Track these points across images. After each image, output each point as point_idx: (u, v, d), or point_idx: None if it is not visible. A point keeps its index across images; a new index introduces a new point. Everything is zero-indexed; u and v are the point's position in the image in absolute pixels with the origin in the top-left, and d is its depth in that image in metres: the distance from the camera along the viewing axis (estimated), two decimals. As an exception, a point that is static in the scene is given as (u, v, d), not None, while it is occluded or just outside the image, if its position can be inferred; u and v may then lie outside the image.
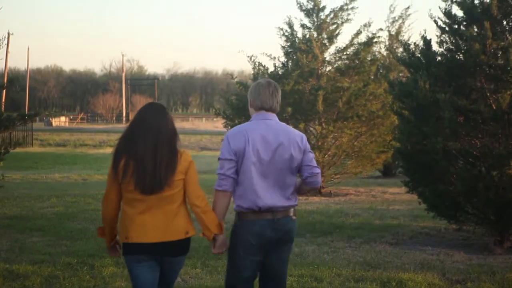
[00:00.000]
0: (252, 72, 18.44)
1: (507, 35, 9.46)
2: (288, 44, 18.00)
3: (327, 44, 17.93)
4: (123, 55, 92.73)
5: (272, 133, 4.82)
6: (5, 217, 12.59)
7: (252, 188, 4.71)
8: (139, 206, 4.58)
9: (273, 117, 4.95)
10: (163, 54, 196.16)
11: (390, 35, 24.04)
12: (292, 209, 4.85)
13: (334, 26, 17.89)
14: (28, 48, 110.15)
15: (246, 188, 4.73)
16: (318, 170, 4.89)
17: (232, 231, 4.85)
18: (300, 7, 17.94)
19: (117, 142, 4.69)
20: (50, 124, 73.26)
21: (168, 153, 4.58)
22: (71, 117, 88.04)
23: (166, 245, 4.59)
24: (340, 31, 17.90)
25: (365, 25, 17.97)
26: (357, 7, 17.94)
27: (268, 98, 4.92)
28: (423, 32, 9.99)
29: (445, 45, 9.79)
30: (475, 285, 7.28)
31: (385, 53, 23.05)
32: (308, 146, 4.93)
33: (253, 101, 4.96)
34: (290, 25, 18.01)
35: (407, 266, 8.22)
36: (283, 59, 18.19)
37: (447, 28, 9.74)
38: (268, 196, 4.73)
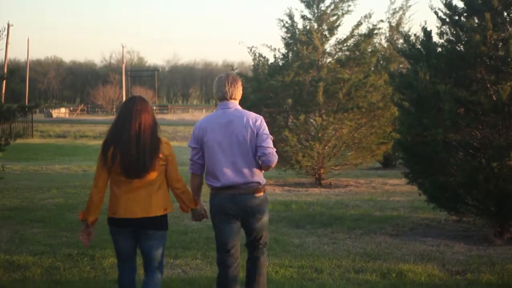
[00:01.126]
0: (252, 63, 18.44)
1: (508, 26, 9.44)
2: (289, 35, 17.97)
3: (327, 35, 17.90)
4: (123, 47, 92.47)
5: (228, 120, 5.58)
6: (5, 208, 12.60)
7: (214, 168, 5.53)
8: (125, 187, 5.30)
9: (233, 104, 5.72)
10: (163, 46, 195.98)
11: (391, 27, 24.00)
12: (254, 187, 5.54)
13: (335, 17, 17.86)
14: (28, 40, 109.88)
15: (211, 169, 5.57)
16: (270, 150, 5.49)
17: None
18: (301, -2, 17.92)
19: (106, 134, 5.35)
20: (50, 115, 73.24)
21: (150, 141, 5.21)
22: (71, 109, 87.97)
23: (148, 220, 5.28)
24: (341, 23, 17.88)
25: (365, 17, 17.96)
26: (358, -2, 17.94)
27: (228, 89, 5.68)
28: (423, 23, 9.98)
29: (445, 36, 9.77)
30: (475, 276, 7.29)
31: (385, 45, 23.00)
32: (263, 128, 5.58)
33: (216, 93, 5.75)
34: (291, 16, 17.98)
35: (407, 257, 8.23)
36: (283, 50, 18.19)
37: (447, 19, 9.72)
38: (228, 175, 5.49)
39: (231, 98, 5.72)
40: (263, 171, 5.61)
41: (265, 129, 5.60)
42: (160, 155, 5.25)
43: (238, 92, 5.77)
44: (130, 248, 5.46)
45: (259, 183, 5.56)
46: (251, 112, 5.72)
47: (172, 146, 5.43)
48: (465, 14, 9.58)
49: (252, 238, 5.77)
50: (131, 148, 5.16)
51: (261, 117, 5.68)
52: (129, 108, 5.27)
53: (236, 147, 5.50)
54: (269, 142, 5.54)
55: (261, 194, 5.60)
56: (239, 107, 5.74)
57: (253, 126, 5.53)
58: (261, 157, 5.50)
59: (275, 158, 5.53)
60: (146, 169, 5.18)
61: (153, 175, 5.24)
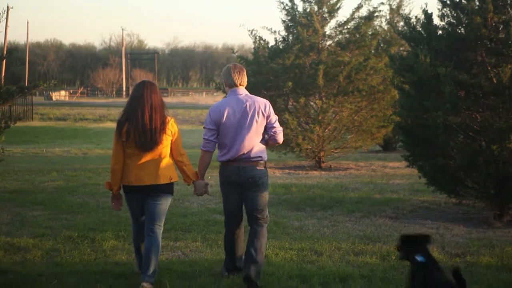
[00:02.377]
0: (253, 46, 18.38)
1: (509, 9, 9.41)
2: (289, 18, 17.90)
3: (327, 18, 17.83)
4: (123, 29, 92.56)
5: (241, 104, 6.37)
6: (5, 191, 12.62)
7: (226, 145, 6.39)
8: (136, 159, 6.18)
9: (243, 90, 6.50)
10: (163, 28, 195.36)
11: (391, 9, 23.90)
12: (257, 160, 6.40)
13: (335, -1, 17.79)
14: (28, 22, 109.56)
15: (223, 146, 6.43)
16: (280, 130, 6.48)
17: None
18: (301, -20, 17.84)
19: (120, 114, 6.28)
20: (50, 98, 73.13)
21: (160, 120, 6.13)
22: (71, 91, 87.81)
23: (156, 187, 6.20)
24: (341, 5, 17.77)
25: (366, -1, 17.87)
26: (358, -20, 17.84)
27: (237, 77, 6.46)
28: (424, 6, 9.94)
29: (446, 19, 9.73)
30: (475, 258, 7.32)
31: (386, 27, 22.93)
32: (272, 110, 6.45)
33: (226, 81, 6.54)
34: (291, -1, 17.91)
35: (407, 240, 8.24)
36: (283, 33, 18.11)
37: (448, 2, 9.68)
38: (236, 151, 6.33)
39: (240, 85, 6.49)
40: (266, 148, 6.55)
41: (273, 111, 6.48)
42: (168, 132, 6.16)
43: (245, 79, 6.54)
44: (140, 209, 6.37)
45: (261, 157, 6.43)
46: (259, 97, 6.54)
47: (177, 126, 6.31)
48: (466, -4, 9.54)
49: (254, 210, 6.46)
50: (145, 126, 6.07)
51: (268, 101, 6.49)
52: (141, 90, 6.16)
53: (249, 127, 6.33)
54: (277, 123, 6.49)
55: (263, 168, 6.45)
56: (248, 93, 6.52)
57: (264, 110, 6.38)
58: (272, 136, 6.44)
59: (282, 136, 6.53)
60: (157, 144, 6.10)
61: (160, 149, 6.15)
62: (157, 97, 6.17)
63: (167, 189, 6.28)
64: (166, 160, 6.24)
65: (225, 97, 6.77)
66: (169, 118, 6.22)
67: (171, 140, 6.23)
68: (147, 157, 6.15)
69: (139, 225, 6.43)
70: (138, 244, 6.53)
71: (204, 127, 6.48)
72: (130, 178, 6.19)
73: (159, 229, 6.28)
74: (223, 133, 6.39)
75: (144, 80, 6.40)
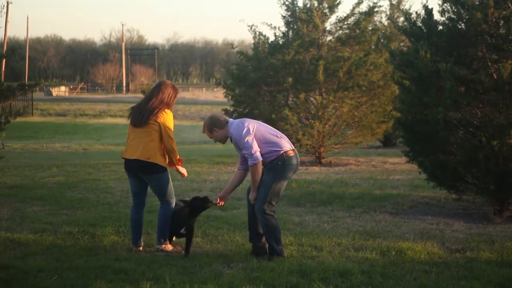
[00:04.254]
0: (253, 41, 18.38)
1: (509, 4, 9.39)
2: (289, 13, 17.90)
3: (327, 13, 17.82)
4: (123, 25, 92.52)
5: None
6: (5, 186, 12.63)
7: (276, 140, 7.19)
8: (131, 135, 7.45)
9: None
10: (163, 24, 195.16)
11: (391, 4, 23.88)
12: None
13: (335, -5, 17.77)
14: (28, 17, 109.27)
15: (274, 142, 7.17)
16: None
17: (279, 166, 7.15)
18: (301, -25, 17.83)
19: None
20: (50, 93, 73.09)
21: (155, 106, 7.28)
22: (71, 87, 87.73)
23: (134, 163, 7.31)
24: (341, 0, 17.78)
25: (366, -6, 17.88)
26: (358, -24, 17.81)
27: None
28: (424, 1, 9.97)
29: (446, 14, 9.72)
30: (474, 254, 7.32)
31: (386, 23, 22.93)
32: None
33: (220, 125, 7.28)
34: (291, -6, 17.89)
35: (407, 235, 8.26)
36: (283, 28, 18.13)
37: (448, -3, 9.67)
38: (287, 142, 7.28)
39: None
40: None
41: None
42: (157, 119, 7.22)
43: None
44: (135, 186, 7.57)
45: None
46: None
47: (171, 119, 7.33)
48: (466, -8, 9.53)
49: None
50: (139, 107, 7.39)
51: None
52: (155, 86, 7.59)
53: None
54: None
55: None
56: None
57: None
58: None
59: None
60: (144, 122, 7.24)
61: (148, 130, 7.24)
62: (161, 94, 7.34)
63: (150, 169, 7.29)
64: (152, 143, 7.24)
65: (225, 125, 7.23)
66: (166, 110, 7.30)
67: (159, 127, 7.24)
68: (136, 135, 7.32)
69: (135, 203, 7.63)
70: (132, 218, 7.61)
71: (246, 141, 6.98)
72: (124, 151, 7.51)
73: (164, 203, 7.47)
74: (263, 137, 7.09)
75: (161, 81, 7.57)
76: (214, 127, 7.25)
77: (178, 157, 7.42)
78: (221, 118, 7.31)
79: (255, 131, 7.05)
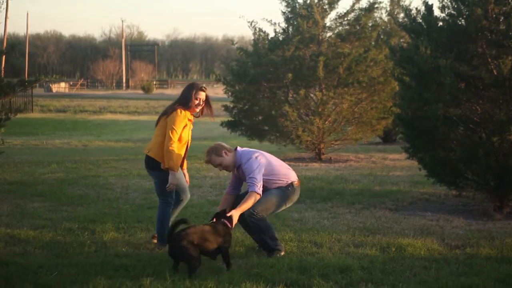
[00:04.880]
0: (253, 37, 18.35)
1: (509, 0, 9.38)
2: (289, 9, 17.87)
3: (327, 9, 17.80)
4: (122, 21, 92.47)
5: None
6: (5, 182, 12.63)
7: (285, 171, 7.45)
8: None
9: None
10: (163, 20, 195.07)
11: (391, 0, 23.84)
12: None
13: (335, -9, 17.75)
14: (28, 14, 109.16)
15: (283, 172, 7.41)
16: None
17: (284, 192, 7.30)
18: (301, -29, 17.80)
19: None
20: (50, 90, 73.12)
21: (171, 106, 7.52)
22: (71, 83, 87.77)
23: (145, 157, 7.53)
24: (341, -4, 17.76)
25: (366, -10, 17.84)
26: (358, -28, 17.79)
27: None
28: (424, -3, 9.91)
29: (446, 10, 9.71)
30: (474, 250, 7.32)
31: (386, 19, 22.86)
32: None
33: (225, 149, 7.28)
34: (291, -10, 17.86)
35: (407, 232, 8.26)
36: (283, 24, 18.09)
37: (449, -7, 9.66)
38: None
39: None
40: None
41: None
42: (167, 117, 7.35)
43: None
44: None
45: None
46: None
47: (179, 119, 7.30)
48: (466, -12, 9.52)
49: None
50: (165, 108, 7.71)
51: None
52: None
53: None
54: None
55: None
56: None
57: None
58: None
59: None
60: (158, 121, 7.51)
61: (159, 127, 7.45)
62: (181, 94, 7.51)
63: (151, 164, 7.43)
64: (156, 138, 7.41)
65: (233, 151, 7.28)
66: (180, 109, 7.36)
67: (166, 124, 7.33)
68: (155, 132, 7.51)
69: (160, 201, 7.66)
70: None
71: (258, 173, 7.06)
72: None
73: (161, 203, 7.51)
74: (271, 166, 7.28)
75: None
76: (225, 149, 7.24)
77: (173, 162, 7.25)
78: (226, 145, 7.35)
79: (268, 162, 7.24)
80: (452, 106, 9.25)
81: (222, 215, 6.83)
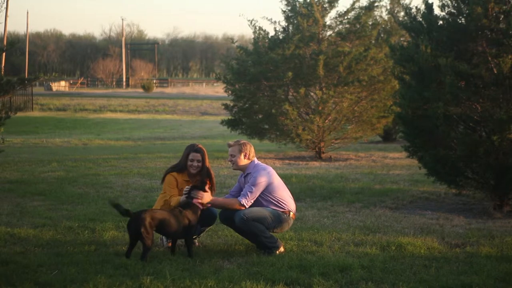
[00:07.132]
0: (253, 36, 18.36)
1: (510, -1, 9.38)
2: (289, 8, 17.88)
3: (327, 8, 17.81)
4: (122, 20, 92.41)
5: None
6: (6, 181, 12.63)
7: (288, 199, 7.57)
8: None
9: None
10: (163, 19, 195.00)
11: (392, -1, 23.87)
12: None
13: (335, -11, 17.75)
14: (28, 12, 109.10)
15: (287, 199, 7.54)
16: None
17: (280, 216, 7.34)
18: (301, -30, 17.80)
19: None
20: (50, 88, 73.06)
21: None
22: (71, 82, 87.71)
23: None
24: (341, -5, 17.77)
25: (366, -11, 17.84)
26: (359, -30, 17.79)
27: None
28: (424, -4, 9.91)
29: (447, 9, 9.72)
30: (474, 249, 7.32)
31: (386, 17, 22.91)
32: None
33: (249, 153, 7.42)
34: (291, -11, 17.87)
35: (407, 230, 8.26)
36: (283, 23, 18.12)
37: (449, -8, 9.66)
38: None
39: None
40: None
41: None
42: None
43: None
44: None
45: None
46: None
47: (167, 181, 7.49)
48: (466, -13, 9.52)
49: None
50: None
51: None
52: None
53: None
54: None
55: None
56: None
57: None
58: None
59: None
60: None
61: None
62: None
63: None
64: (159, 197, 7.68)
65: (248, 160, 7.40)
66: (171, 173, 7.57)
67: None
68: None
69: None
70: None
71: (255, 190, 7.21)
72: None
73: None
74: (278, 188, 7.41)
75: None
76: (248, 153, 7.41)
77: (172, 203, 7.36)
78: (253, 151, 7.49)
79: (277, 183, 7.37)
80: (452, 105, 9.25)
81: (198, 187, 7.14)
